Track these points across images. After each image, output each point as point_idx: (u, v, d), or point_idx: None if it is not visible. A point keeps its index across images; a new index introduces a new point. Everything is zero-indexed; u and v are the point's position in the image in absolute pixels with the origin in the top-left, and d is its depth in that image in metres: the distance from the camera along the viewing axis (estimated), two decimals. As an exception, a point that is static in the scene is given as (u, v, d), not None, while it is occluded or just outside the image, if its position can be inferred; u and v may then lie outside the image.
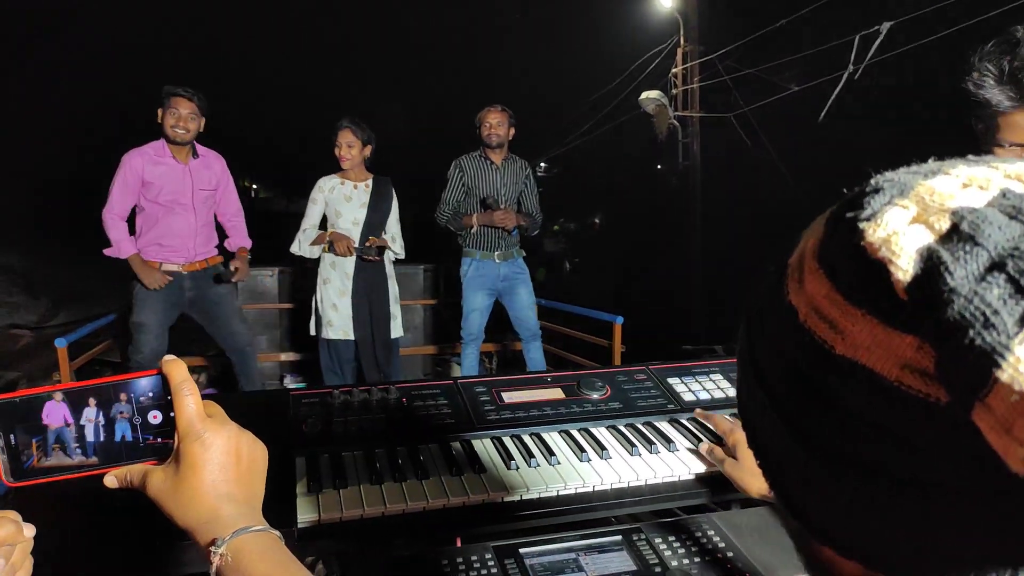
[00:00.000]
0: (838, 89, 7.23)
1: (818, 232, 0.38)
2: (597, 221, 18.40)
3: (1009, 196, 0.31)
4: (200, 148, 4.00)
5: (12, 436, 0.61)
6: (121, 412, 0.64)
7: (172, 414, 0.64)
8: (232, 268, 3.98)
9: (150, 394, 0.65)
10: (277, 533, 0.65)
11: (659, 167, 14.03)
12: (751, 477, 1.12)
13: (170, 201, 3.85)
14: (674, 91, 12.34)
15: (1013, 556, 0.31)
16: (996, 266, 0.29)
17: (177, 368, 0.65)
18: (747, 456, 1.14)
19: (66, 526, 1.04)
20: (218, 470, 0.64)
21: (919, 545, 0.33)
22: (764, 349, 0.41)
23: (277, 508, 1.01)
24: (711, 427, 1.27)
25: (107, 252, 3.85)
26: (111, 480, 0.66)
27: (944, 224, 0.31)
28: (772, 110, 10.79)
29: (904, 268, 0.31)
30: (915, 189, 0.34)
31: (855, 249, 0.33)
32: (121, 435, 0.64)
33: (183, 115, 3.78)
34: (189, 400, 0.64)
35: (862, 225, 0.34)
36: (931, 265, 0.30)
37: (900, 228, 0.32)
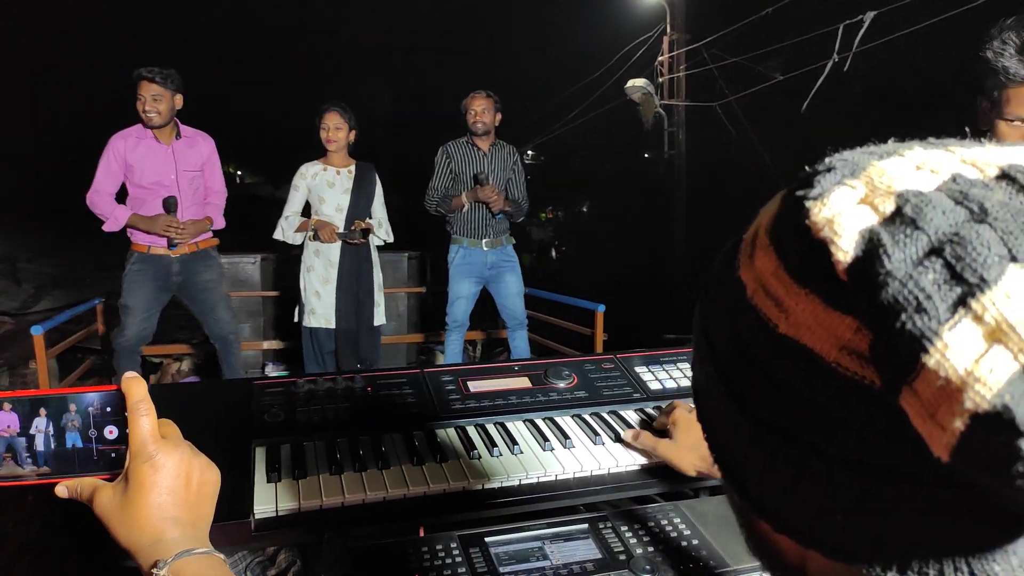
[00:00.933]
0: (822, 79, 7.24)
1: (774, 208, 0.38)
2: (584, 209, 18.39)
3: (959, 181, 0.31)
4: (185, 129, 3.95)
5: None
6: (71, 421, 0.64)
7: (127, 431, 0.64)
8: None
9: (107, 408, 0.64)
10: (221, 556, 0.64)
11: (645, 156, 14.03)
12: (685, 454, 1.12)
13: (154, 183, 3.82)
14: (660, 79, 12.32)
15: (940, 541, 0.32)
16: (934, 251, 0.29)
17: (136, 387, 0.64)
18: (682, 435, 1.14)
19: (41, 522, 1.03)
20: (166, 493, 0.63)
21: (850, 524, 0.34)
22: (714, 322, 0.41)
23: (234, 498, 1.01)
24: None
25: (106, 228, 3.83)
26: (62, 490, 0.65)
27: (889, 206, 0.31)
28: (757, 99, 10.81)
29: (845, 249, 0.31)
30: (866, 170, 0.33)
31: (801, 227, 0.33)
32: (72, 444, 0.64)
33: (147, 99, 3.73)
34: (144, 420, 0.64)
35: (808, 204, 0.33)
36: (871, 247, 0.30)
37: (845, 208, 0.32)
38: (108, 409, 0.65)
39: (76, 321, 4.90)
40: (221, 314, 4.06)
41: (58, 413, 0.63)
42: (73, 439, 0.64)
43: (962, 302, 0.28)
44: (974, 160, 0.32)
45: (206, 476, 0.67)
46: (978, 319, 0.27)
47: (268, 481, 1.05)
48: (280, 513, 1.00)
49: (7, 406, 0.62)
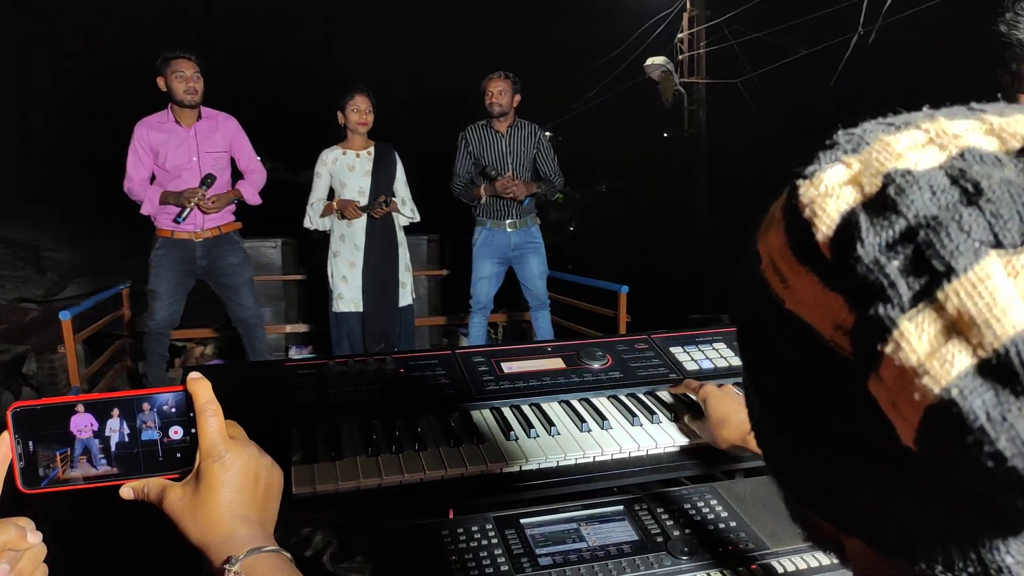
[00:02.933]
0: (848, 52, 7.09)
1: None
2: (603, 189, 18.29)
3: (967, 157, 0.29)
4: (206, 110, 3.96)
5: (31, 443, 0.61)
6: (146, 422, 0.65)
7: (194, 431, 0.65)
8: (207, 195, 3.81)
9: (172, 409, 0.65)
10: (288, 555, 0.66)
11: (665, 135, 13.89)
12: (718, 429, 1.12)
13: (175, 167, 3.84)
14: (680, 57, 12.16)
15: (939, 525, 0.31)
16: (909, 236, 0.28)
17: (203, 387, 0.65)
18: (713, 409, 1.13)
19: (82, 535, 1.03)
20: (236, 491, 0.65)
21: (853, 499, 0.33)
22: (738, 293, 0.41)
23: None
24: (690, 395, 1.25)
25: (143, 211, 3.89)
26: (127, 492, 0.66)
27: (874, 186, 0.30)
28: (780, 75, 10.63)
29: (824, 231, 0.31)
30: (871, 145, 0.32)
31: (793, 206, 0.33)
32: (143, 447, 0.65)
33: (189, 76, 3.75)
34: (213, 420, 0.65)
35: (799, 182, 0.33)
36: (848, 229, 0.30)
37: (831, 188, 0.31)
38: (173, 410, 0.65)
39: (101, 307, 4.95)
40: (244, 298, 4.08)
41: (131, 413, 0.64)
42: (150, 436, 0.65)
43: (926, 291, 0.27)
44: (1003, 129, 0.31)
45: (272, 476, 0.69)
46: (940, 310, 0.26)
47: (304, 462, 1.04)
48: (318, 493, 0.99)
49: (81, 408, 0.63)
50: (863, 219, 0.29)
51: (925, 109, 0.34)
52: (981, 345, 0.25)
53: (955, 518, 0.30)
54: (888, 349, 0.27)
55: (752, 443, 1.05)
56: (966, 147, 0.30)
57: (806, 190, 0.32)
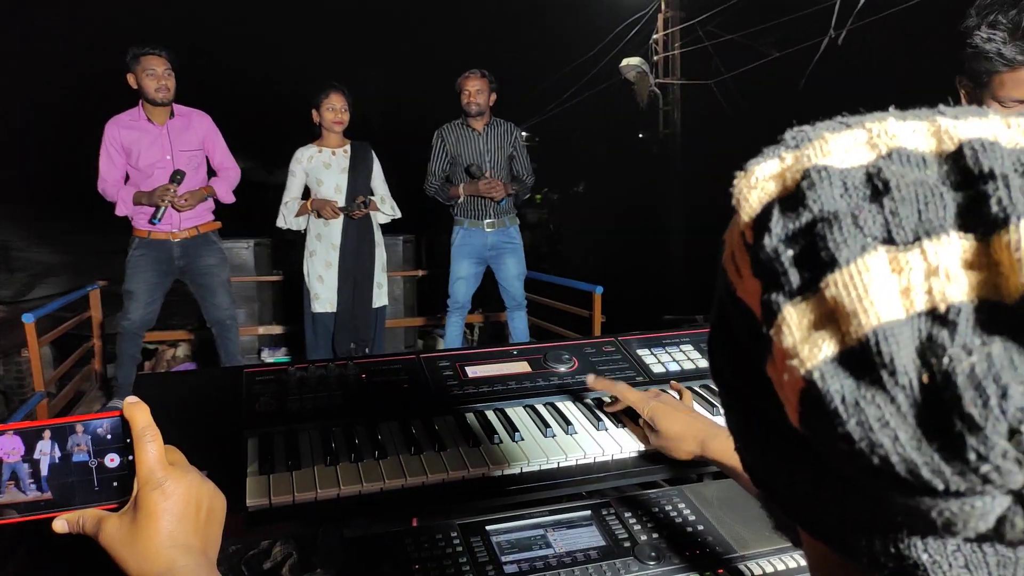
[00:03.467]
0: (818, 55, 7.17)
1: None
2: (579, 190, 18.33)
3: (893, 157, 0.30)
4: (179, 108, 3.90)
5: None
6: (78, 445, 0.61)
7: (131, 458, 0.62)
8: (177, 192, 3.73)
9: (108, 435, 0.62)
10: None
11: (640, 136, 13.94)
12: (676, 443, 1.11)
13: (148, 166, 3.78)
14: (655, 58, 12.22)
15: (859, 514, 0.31)
16: (808, 228, 0.29)
17: (141, 412, 0.62)
18: (665, 426, 1.12)
19: (14, 567, 0.99)
20: (176, 520, 0.62)
21: (790, 491, 0.34)
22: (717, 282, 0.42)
23: (227, 490, 0.98)
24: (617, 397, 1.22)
25: (117, 212, 3.82)
26: (61, 524, 0.63)
27: (793, 181, 0.31)
28: (753, 77, 10.72)
29: (745, 220, 0.32)
30: (812, 142, 0.33)
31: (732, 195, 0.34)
32: (75, 473, 0.61)
33: (160, 73, 3.69)
34: (152, 446, 0.62)
35: (736, 173, 0.34)
36: (762, 221, 0.31)
37: (758, 181, 0.33)
38: (109, 436, 0.62)
39: (71, 308, 4.85)
40: (221, 299, 4.04)
41: (63, 438, 0.61)
42: (82, 460, 0.62)
43: (811, 280, 0.28)
44: (946, 131, 0.31)
45: (215, 502, 0.67)
46: (820, 299, 0.28)
47: (261, 473, 1.02)
48: (274, 505, 0.97)
49: (9, 432, 0.60)
50: (775, 211, 0.31)
51: (891, 109, 0.35)
52: (848, 333, 0.27)
53: (851, 506, 0.31)
54: (773, 332, 0.29)
55: (710, 450, 1.05)
56: (896, 147, 0.31)
57: (738, 181, 0.34)
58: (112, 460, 0.62)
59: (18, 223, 11.56)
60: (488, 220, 4.37)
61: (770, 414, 0.33)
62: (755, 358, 0.33)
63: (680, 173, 12.46)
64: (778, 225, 0.30)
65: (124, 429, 0.62)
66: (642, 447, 1.18)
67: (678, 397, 1.24)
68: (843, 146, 0.32)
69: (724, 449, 1.03)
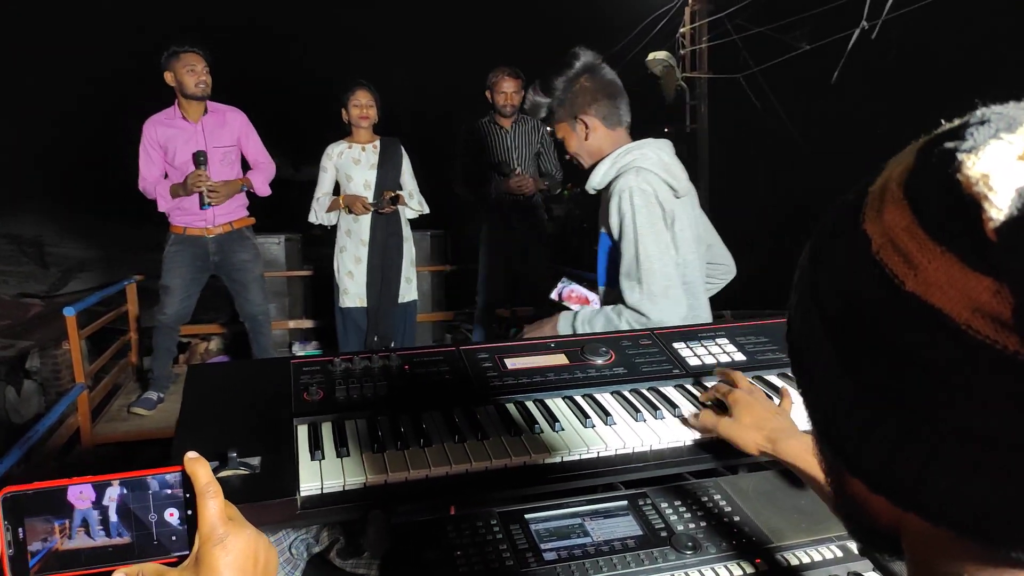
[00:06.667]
0: (850, 47, 7.06)
1: (907, 161, 0.36)
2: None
3: None
4: (212, 104, 3.97)
5: (20, 530, 0.58)
6: (141, 497, 0.63)
7: (190, 512, 0.63)
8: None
9: (168, 490, 0.63)
10: None
11: (666, 130, 13.85)
12: (749, 433, 1.10)
13: (184, 163, 3.86)
14: (682, 52, 12.12)
15: None
16: None
17: (202, 468, 0.63)
18: (744, 413, 1.12)
19: None
20: (238, 574, 0.64)
21: (955, 489, 0.33)
22: (828, 274, 0.40)
23: (279, 476, 1.01)
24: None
25: (160, 209, 3.91)
26: None
27: None
28: (783, 70, 10.58)
29: (999, 206, 0.30)
30: None
31: (949, 181, 0.32)
32: (137, 526, 0.62)
33: (199, 70, 3.77)
34: (213, 503, 0.63)
35: (960, 156, 0.32)
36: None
37: (1002, 164, 0.30)
38: (168, 491, 0.63)
39: (105, 303, 4.96)
40: (254, 295, 4.11)
41: (129, 488, 0.62)
42: (143, 512, 0.62)
43: None
44: None
45: (270, 555, 0.68)
46: None
47: (312, 459, 1.05)
48: (325, 491, 1.00)
49: (83, 482, 0.61)
50: None
51: None
52: None
53: None
54: None
55: (781, 449, 1.03)
56: None
57: (972, 164, 0.31)
58: (171, 514, 0.63)
59: (51, 218, 11.77)
60: (516, 216, 4.38)
61: (948, 416, 0.32)
62: (933, 358, 0.32)
63: (707, 167, 12.35)
64: None
65: (185, 483, 0.63)
66: (683, 437, 1.20)
67: (778, 400, 1.21)
68: None
69: (796, 451, 1.01)
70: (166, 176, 3.92)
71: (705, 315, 1.90)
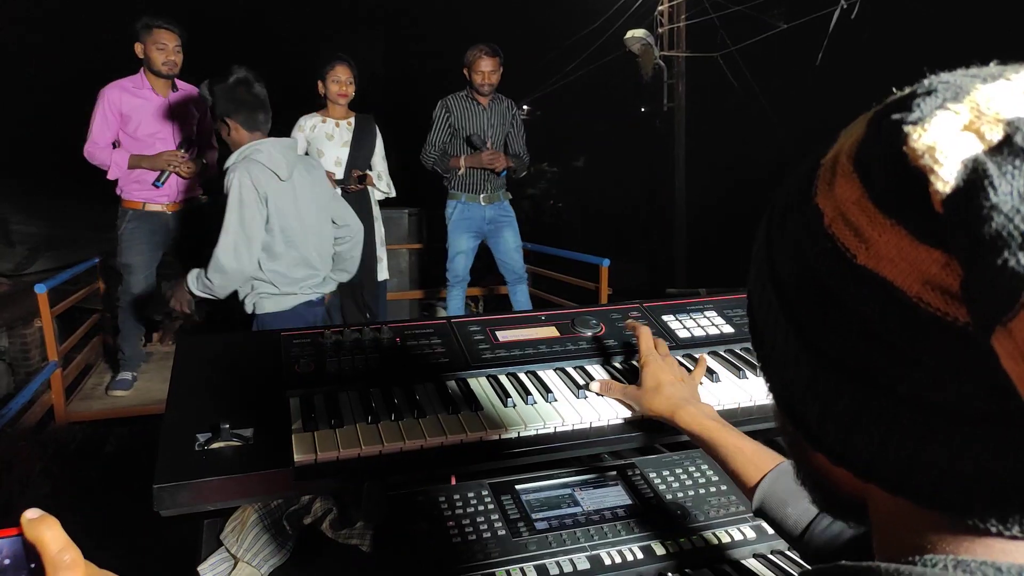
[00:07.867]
0: (831, 27, 7.09)
1: (858, 133, 0.36)
2: (581, 163, 18.25)
3: None
4: (180, 83, 3.89)
5: None
6: None
7: None
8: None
9: (6, 561, 0.45)
10: None
11: (643, 109, 13.85)
12: (648, 395, 1.09)
13: (149, 135, 3.77)
14: (660, 30, 12.09)
15: (1009, 476, 0.31)
16: None
17: (51, 532, 0.44)
18: (648, 378, 1.11)
19: None
20: None
21: (914, 462, 0.33)
22: (782, 249, 0.40)
23: (273, 447, 1.01)
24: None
25: (110, 176, 3.79)
26: None
27: (996, 134, 0.29)
28: (760, 49, 10.62)
29: (945, 179, 0.29)
30: (970, 94, 0.31)
31: (896, 154, 0.32)
32: None
33: (170, 49, 3.69)
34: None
35: (907, 128, 0.32)
36: (975, 178, 0.28)
37: (948, 135, 0.30)
38: (7, 561, 0.45)
39: (74, 281, 4.86)
40: None
41: None
42: None
43: None
44: None
45: None
46: None
47: (305, 430, 1.05)
48: (319, 461, 1.00)
49: None
50: (992, 167, 0.28)
51: (993, 64, 0.34)
52: None
53: (998, 466, 0.31)
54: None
55: (680, 418, 1.02)
56: None
57: (918, 136, 0.31)
58: None
59: (15, 196, 11.49)
60: (484, 194, 4.39)
61: (902, 388, 0.32)
62: (886, 330, 0.32)
63: (683, 146, 12.39)
64: (1003, 183, 0.28)
65: (28, 554, 0.45)
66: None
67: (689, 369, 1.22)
68: (1010, 97, 0.31)
69: (692, 419, 1.00)
70: (115, 145, 3.81)
71: (323, 269, 2.68)
